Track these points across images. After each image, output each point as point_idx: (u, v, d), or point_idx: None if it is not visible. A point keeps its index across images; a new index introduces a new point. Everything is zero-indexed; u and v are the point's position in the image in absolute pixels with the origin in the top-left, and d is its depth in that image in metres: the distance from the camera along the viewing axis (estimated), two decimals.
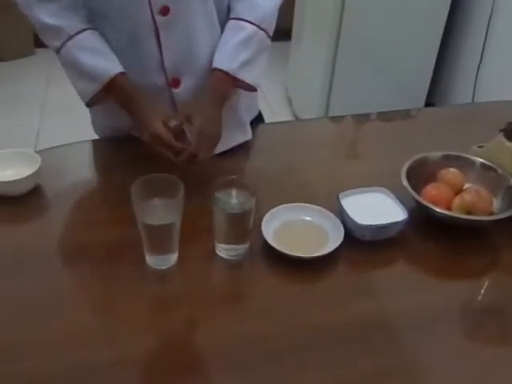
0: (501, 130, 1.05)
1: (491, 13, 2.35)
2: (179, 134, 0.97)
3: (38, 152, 1.06)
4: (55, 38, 1.02)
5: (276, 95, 3.10)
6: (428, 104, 2.72)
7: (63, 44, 1.01)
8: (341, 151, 1.28)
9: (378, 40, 2.49)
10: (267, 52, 1.13)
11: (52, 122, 2.77)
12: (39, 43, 3.26)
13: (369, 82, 2.58)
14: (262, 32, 1.08)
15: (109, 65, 1.02)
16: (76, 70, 1.05)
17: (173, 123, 0.96)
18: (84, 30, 1.02)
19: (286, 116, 2.91)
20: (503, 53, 2.32)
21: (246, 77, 1.07)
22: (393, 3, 2.42)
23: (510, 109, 1.35)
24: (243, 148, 1.19)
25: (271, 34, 1.10)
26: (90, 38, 1.02)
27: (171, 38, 1.03)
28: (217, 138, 1.01)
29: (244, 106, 1.18)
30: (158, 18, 1.00)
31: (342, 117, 1.47)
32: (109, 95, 1.04)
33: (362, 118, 1.42)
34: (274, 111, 2.81)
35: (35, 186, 1.03)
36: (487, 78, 2.43)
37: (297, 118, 2.88)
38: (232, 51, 1.05)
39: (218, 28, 1.08)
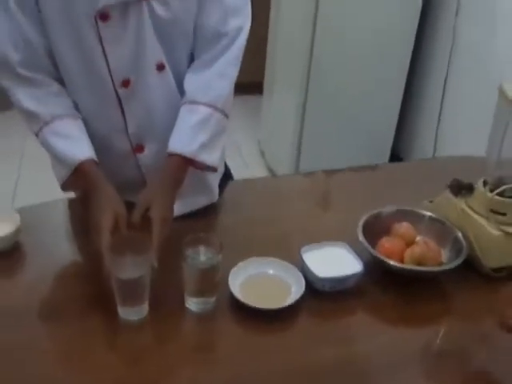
0: (448, 186, 1.15)
1: (447, 72, 2.52)
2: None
3: (17, 210, 1.13)
4: (33, 123, 1.09)
5: (249, 148, 3.22)
6: (393, 155, 2.86)
7: (40, 129, 1.08)
8: (308, 206, 1.36)
9: (345, 95, 2.63)
10: (226, 132, 1.17)
11: (30, 177, 2.82)
12: None
13: (337, 134, 2.70)
14: (218, 113, 1.11)
15: (78, 151, 1.07)
16: (51, 154, 1.11)
17: (135, 218, 1.01)
18: (59, 116, 1.08)
19: (259, 168, 3.02)
20: (459, 109, 2.48)
21: (206, 159, 1.10)
22: (357, 62, 2.57)
23: (465, 164, 1.44)
24: (212, 206, 1.27)
25: (228, 112, 1.14)
26: (63, 125, 1.08)
27: (133, 108, 1.10)
28: (170, 221, 1.05)
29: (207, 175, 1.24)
30: (120, 90, 1.08)
31: (311, 172, 1.57)
32: (77, 181, 1.09)
33: (330, 173, 1.52)
34: (248, 164, 2.92)
35: (14, 243, 1.09)
36: (446, 130, 2.58)
37: (270, 170, 2.98)
38: (189, 134, 1.08)
39: (179, 97, 1.13)
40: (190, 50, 1.14)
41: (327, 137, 2.69)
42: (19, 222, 1.09)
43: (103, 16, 1.00)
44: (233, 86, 1.14)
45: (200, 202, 1.24)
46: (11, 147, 3.10)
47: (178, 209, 1.12)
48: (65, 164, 1.08)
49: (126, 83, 1.08)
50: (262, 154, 3.16)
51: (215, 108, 1.10)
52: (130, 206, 1.03)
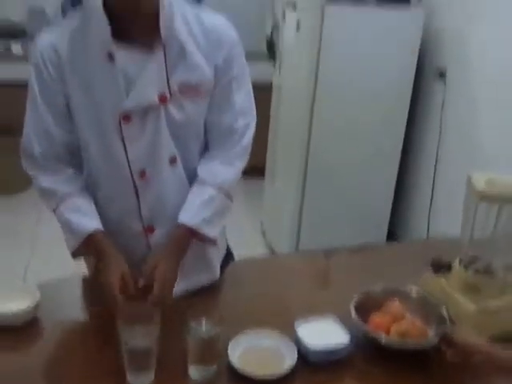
0: (430, 265, 1.26)
1: (437, 157, 2.70)
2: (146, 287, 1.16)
3: (36, 285, 1.24)
4: (51, 200, 1.25)
5: (251, 229, 3.36)
6: (390, 231, 2.98)
7: (57, 206, 1.24)
8: (305, 283, 1.47)
9: (341, 177, 2.79)
10: (228, 212, 1.33)
11: (41, 257, 2.93)
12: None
13: (335, 214, 2.83)
14: (221, 195, 1.27)
15: (89, 223, 1.22)
16: (65, 227, 1.26)
17: (141, 283, 1.17)
18: (75, 194, 1.25)
19: (260, 248, 3.15)
20: (450, 187, 2.61)
21: (208, 232, 1.26)
22: (352, 147, 2.75)
23: (449, 244, 1.55)
24: (213, 283, 1.38)
25: (233, 195, 1.31)
26: (78, 202, 1.24)
27: (147, 195, 1.26)
28: (172, 283, 1.20)
29: (212, 249, 1.37)
30: (137, 179, 1.23)
31: (310, 251, 1.69)
32: (88, 249, 1.24)
33: (328, 253, 1.64)
34: (249, 244, 3.03)
35: (33, 318, 1.19)
36: (439, 207, 2.71)
37: (271, 250, 3.10)
38: (195, 210, 1.25)
39: (188, 187, 1.29)
40: (200, 148, 1.31)
41: (326, 216, 2.83)
42: (39, 297, 1.20)
43: (126, 118, 1.17)
44: (239, 174, 1.32)
45: (202, 280, 1.36)
46: (24, 227, 3.24)
47: (182, 287, 1.26)
48: (77, 234, 1.22)
49: (142, 174, 1.23)
50: (264, 234, 3.29)
51: (220, 190, 1.27)
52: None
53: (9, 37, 3.59)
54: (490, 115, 2.36)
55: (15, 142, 3.40)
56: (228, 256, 1.51)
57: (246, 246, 3.04)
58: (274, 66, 3.10)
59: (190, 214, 1.25)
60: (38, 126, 1.22)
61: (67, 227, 1.25)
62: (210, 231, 1.27)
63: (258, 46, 3.33)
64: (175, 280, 1.21)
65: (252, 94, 1.32)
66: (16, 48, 3.51)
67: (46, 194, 1.26)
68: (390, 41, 2.60)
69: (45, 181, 1.25)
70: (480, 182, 1.18)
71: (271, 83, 3.11)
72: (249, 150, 1.33)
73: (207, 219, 1.26)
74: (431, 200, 2.74)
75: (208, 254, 1.36)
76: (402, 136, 2.81)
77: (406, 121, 2.78)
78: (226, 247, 1.50)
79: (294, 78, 2.82)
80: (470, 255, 1.23)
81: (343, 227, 2.81)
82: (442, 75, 2.65)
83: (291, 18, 2.80)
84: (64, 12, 3.96)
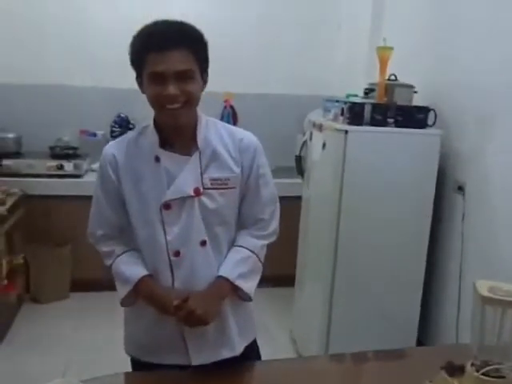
0: (442, 368, 1.34)
1: (460, 268, 2.78)
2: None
3: (83, 381, 1.36)
4: (109, 258, 1.56)
5: (281, 336, 3.41)
6: (419, 342, 2.99)
7: (113, 261, 1.55)
8: None
9: (368, 287, 2.88)
10: (260, 273, 1.60)
11: (77, 362, 3.04)
12: (74, 288, 3.73)
13: (363, 322, 2.89)
14: (254, 256, 1.56)
15: (139, 271, 1.51)
16: (119, 278, 1.53)
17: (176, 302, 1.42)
18: (127, 251, 1.55)
19: (290, 355, 3.17)
20: None
21: (243, 285, 1.52)
22: (378, 260, 2.87)
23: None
24: (239, 372, 1.53)
25: (262, 260, 1.60)
26: (129, 256, 1.54)
27: (180, 271, 1.50)
28: (203, 318, 1.44)
29: (234, 324, 1.57)
30: (173, 258, 1.49)
31: (340, 354, 1.78)
32: (138, 294, 1.51)
33: (358, 356, 1.73)
34: (279, 351, 3.08)
35: None
36: (466, 322, 2.74)
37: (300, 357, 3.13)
38: (233, 265, 1.52)
39: (216, 266, 1.53)
40: (227, 235, 1.56)
41: (354, 326, 2.88)
42: None
43: (166, 206, 1.47)
44: (265, 246, 1.62)
45: (222, 353, 1.55)
46: (64, 334, 3.38)
47: (203, 358, 1.51)
48: (128, 281, 1.50)
49: (177, 253, 1.49)
50: (294, 342, 3.33)
51: (253, 252, 1.56)
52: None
53: (62, 157, 3.96)
54: (509, 227, 2.47)
55: (58, 253, 3.76)
56: (255, 346, 1.66)
57: (276, 353, 3.10)
58: (303, 180, 3.33)
59: (229, 268, 1.51)
60: (99, 214, 1.55)
61: (120, 276, 1.52)
62: (245, 284, 1.51)
63: (288, 163, 3.58)
64: (204, 314, 1.43)
65: (274, 186, 1.63)
66: (68, 166, 3.86)
67: (107, 254, 1.56)
68: (409, 159, 2.80)
69: (105, 244, 1.56)
70: (483, 288, 1.29)
71: (300, 196, 3.33)
72: (276, 232, 1.65)
73: (243, 274, 1.51)
74: (458, 311, 2.78)
75: (227, 329, 1.56)
76: (426, 249, 2.92)
77: (428, 233, 2.90)
78: (253, 333, 1.69)
79: (321, 192, 3.02)
80: (481, 359, 1.31)
81: (371, 338, 2.85)
82: (460, 189, 2.81)
83: (318, 137, 3.06)
84: (112, 133, 4.40)
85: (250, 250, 1.56)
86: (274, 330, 3.43)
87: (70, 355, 3.09)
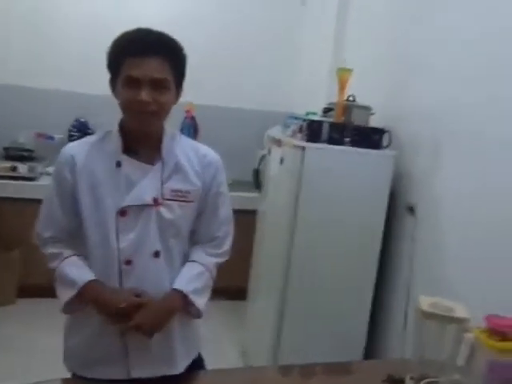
0: (383, 381, 1.38)
1: (408, 287, 2.86)
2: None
3: None
4: (55, 260, 1.52)
5: (230, 348, 3.41)
6: (367, 356, 3.04)
7: (60, 262, 1.51)
8: None
9: (320, 299, 2.91)
10: (210, 290, 1.61)
11: (20, 367, 2.95)
12: (21, 294, 3.64)
13: (313, 336, 2.92)
14: (208, 273, 1.58)
15: (87, 275, 1.48)
16: (63, 280, 1.48)
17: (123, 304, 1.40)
18: (75, 255, 1.52)
19: (238, 366, 3.17)
20: None
21: (196, 300, 1.51)
22: (329, 274, 2.91)
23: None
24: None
25: (214, 277, 1.61)
26: (77, 259, 1.51)
27: (129, 280, 1.48)
28: (148, 332, 1.44)
29: (179, 341, 1.56)
30: (123, 266, 1.47)
31: (288, 366, 1.80)
32: (82, 299, 1.47)
33: (305, 367, 1.76)
34: (227, 362, 3.08)
35: None
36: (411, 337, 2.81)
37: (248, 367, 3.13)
38: (188, 280, 1.52)
39: (167, 278, 1.52)
40: (180, 248, 1.56)
41: (304, 340, 2.91)
42: None
43: (123, 213, 1.46)
44: (218, 263, 1.64)
45: (162, 369, 1.53)
46: (14, 338, 3.28)
47: (143, 372, 1.49)
48: (73, 285, 1.46)
49: (128, 262, 1.47)
50: (244, 354, 3.34)
51: (207, 269, 1.58)
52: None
53: (17, 159, 3.88)
54: (457, 249, 2.56)
55: (5, 257, 3.67)
56: (199, 361, 1.64)
57: (224, 364, 3.10)
58: (260, 194, 3.36)
59: (184, 282, 1.50)
60: (49, 215, 1.51)
61: (65, 279, 1.48)
62: (199, 301, 1.51)
63: (246, 177, 3.62)
64: (150, 331, 1.44)
65: (230, 206, 1.64)
66: (22, 168, 3.78)
67: (53, 256, 1.52)
68: (363, 177, 2.87)
69: (53, 246, 1.53)
70: (425, 303, 1.34)
71: (256, 210, 3.36)
72: (228, 252, 1.65)
73: (197, 289, 1.51)
74: (405, 328, 2.85)
75: (172, 348, 1.54)
76: (376, 266, 2.99)
77: (379, 251, 2.97)
78: (197, 349, 1.67)
79: (277, 206, 3.06)
80: (420, 373, 1.36)
81: (321, 350, 2.88)
82: (411, 210, 2.89)
83: (276, 152, 3.11)
84: (70, 137, 4.35)
85: (205, 267, 1.57)
86: (224, 344, 3.43)
87: (13, 359, 3.02)
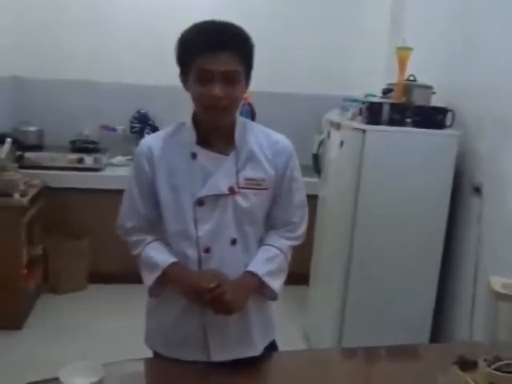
0: (454, 363, 1.36)
1: (476, 267, 2.78)
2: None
3: (103, 365, 1.40)
4: (138, 246, 1.58)
5: (294, 333, 3.43)
6: (432, 340, 2.99)
7: (143, 248, 1.56)
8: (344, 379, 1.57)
9: (384, 283, 2.89)
10: (286, 273, 1.60)
11: (94, 350, 3.08)
12: (91, 280, 3.80)
13: (377, 320, 2.90)
14: (282, 256, 1.58)
15: (169, 257, 1.52)
16: (147, 264, 1.54)
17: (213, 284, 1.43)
18: (157, 240, 1.57)
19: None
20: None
21: (270, 282, 1.53)
22: (393, 257, 2.88)
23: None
24: (257, 367, 1.54)
25: (288, 260, 1.61)
26: (159, 244, 1.56)
27: (208, 267, 1.52)
28: (229, 305, 1.45)
29: (256, 324, 1.60)
30: (202, 254, 1.51)
31: (353, 348, 1.80)
32: (166, 282, 1.52)
33: (371, 350, 1.75)
34: (292, 346, 3.10)
35: None
36: (479, 323, 2.74)
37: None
38: (261, 262, 1.54)
39: (244, 265, 1.54)
40: (256, 235, 1.58)
41: (367, 324, 2.89)
42: (103, 374, 1.36)
43: (200, 202, 1.50)
44: (293, 246, 1.64)
45: (243, 351, 1.57)
46: (83, 323, 3.45)
47: (223, 355, 1.52)
48: (157, 267, 1.51)
49: (207, 250, 1.51)
50: (307, 339, 3.36)
51: (281, 252, 1.58)
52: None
53: (83, 151, 4.04)
54: None
55: (76, 245, 3.82)
56: (274, 346, 1.67)
57: (289, 348, 3.13)
58: (319, 179, 3.35)
59: (258, 265, 1.53)
60: (131, 206, 1.57)
61: (149, 262, 1.53)
62: (273, 283, 1.53)
63: (305, 162, 3.60)
64: (231, 304, 1.45)
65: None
66: (88, 159, 3.93)
67: (136, 243, 1.58)
68: (426, 159, 2.81)
69: (136, 236, 1.58)
70: (497, 284, 1.31)
71: (315, 195, 3.35)
72: (303, 236, 1.67)
73: (271, 272, 1.53)
74: (472, 312, 2.78)
75: (249, 328, 1.58)
76: (441, 249, 2.93)
77: (444, 233, 2.91)
78: (273, 334, 1.71)
79: (338, 191, 3.05)
80: (494, 355, 1.33)
81: (385, 334, 2.86)
82: (477, 190, 2.81)
83: (335, 136, 3.09)
84: (132, 129, 4.48)
85: (279, 249, 1.58)
86: (287, 328, 3.46)
87: (87, 343, 3.15)
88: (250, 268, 1.53)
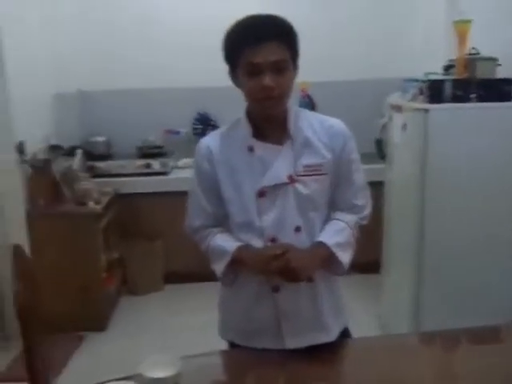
0: None
1: None
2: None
3: (180, 358, 1.44)
4: (206, 239, 1.62)
5: (370, 323, 3.39)
6: None
7: (211, 239, 1.60)
8: (427, 368, 1.53)
9: (460, 264, 2.80)
10: (353, 248, 1.60)
11: (175, 345, 3.17)
12: (167, 280, 3.91)
13: (454, 305, 2.81)
14: (349, 229, 1.58)
15: (236, 243, 1.56)
16: (216, 253, 1.58)
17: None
18: (221, 231, 1.62)
19: None
20: None
21: (339, 254, 1.53)
22: (466, 238, 2.78)
23: None
24: (332, 354, 1.55)
25: (355, 236, 1.61)
26: (226, 233, 1.61)
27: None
28: (297, 272, 1.45)
29: (328, 308, 1.60)
30: (269, 244, 1.53)
31: (430, 332, 1.76)
32: (237, 266, 1.56)
33: (450, 334, 1.72)
34: (369, 334, 3.06)
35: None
36: None
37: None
38: (330, 234, 1.55)
39: None
40: (320, 220, 1.59)
41: (444, 307, 2.81)
42: (180, 366, 1.40)
43: (261, 193, 1.52)
44: (359, 223, 1.64)
45: (318, 337, 1.58)
46: (160, 322, 3.56)
47: (298, 342, 1.54)
48: (226, 253, 1.55)
49: (273, 240, 1.53)
50: (383, 327, 3.30)
51: (349, 225, 1.59)
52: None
53: (149, 156, 4.17)
54: None
55: (150, 248, 3.91)
56: (347, 332, 1.69)
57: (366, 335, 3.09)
58: (385, 164, 3.29)
59: (327, 236, 1.54)
60: (197, 206, 1.62)
61: (218, 250, 1.57)
62: (342, 254, 1.53)
63: (369, 149, 3.54)
64: (299, 271, 1.45)
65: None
66: (155, 164, 4.05)
67: (204, 237, 1.62)
68: (496, 135, 2.69)
69: (203, 232, 1.63)
70: None
71: (382, 182, 3.29)
72: (368, 217, 1.67)
73: (340, 243, 1.53)
74: None
75: (321, 312, 1.59)
76: None
77: None
78: (346, 319, 1.70)
79: (404, 175, 2.98)
80: None
81: (466, 315, 2.76)
82: None
83: (397, 119, 3.02)
84: (194, 130, 4.57)
85: (346, 223, 1.58)
86: (362, 317, 3.42)
87: (167, 340, 3.26)
88: (319, 238, 1.54)
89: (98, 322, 3.49)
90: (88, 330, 3.41)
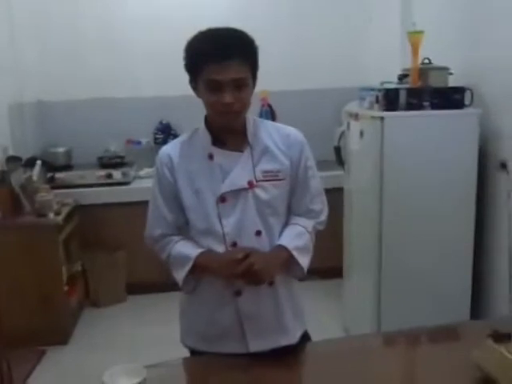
0: (488, 336, 1.37)
1: (509, 239, 2.75)
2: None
3: (145, 366, 1.45)
4: (166, 248, 1.64)
5: (333, 326, 3.44)
6: (472, 317, 2.96)
7: (172, 247, 1.62)
8: (389, 367, 1.58)
9: (417, 267, 2.88)
10: (311, 254, 1.65)
11: (139, 357, 3.16)
12: (130, 291, 3.88)
13: (414, 304, 2.89)
14: (308, 234, 1.63)
15: (197, 249, 1.59)
16: (177, 260, 1.60)
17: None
18: (182, 239, 1.63)
19: None
20: None
21: (298, 257, 1.58)
22: (423, 242, 2.87)
23: None
24: (296, 357, 1.59)
25: (313, 241, 1.66)
26: (186, 241, 1.63)
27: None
28: (259, 274, 1.49)
29: (288, 311, 1.64)
30: (230, 249, 1.56)
31: (391, 332, 1.83)
32: (198, 272, 1.57)
33: (409, 333, 1.78)
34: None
35: None
36: None
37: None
38: (290, 238, 1.60)
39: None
40: (280, 225, 1.63)
41: (405, 309, 2.88)
42: (145, 374, 1.41)
43: (222, 199, 1.56)
44: (316, 228, 1.69)
45: (278, 340, 1.62)
46: (123, 332, 3.53)
47: (261, 345, 1.57)
48: (188, 259, 1.57)
49: (234, 244, 1.57)
50: (346, 330, 3.37)
51: (307, 230, 1.64)
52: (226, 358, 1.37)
53: (110, 166, 4.14)
54: None
55: (112, 259, 3.88)
56: (307, 335, 1.73)
57: None
58: (343, 171, 3.36)
59: (287, 240, 1.59)
60: (157, 214, 1.64)
61: (179, 257, 1.60)
62: (301, 258, 1.58)
63: (328, 156, 3.61)
64: (261, 274, 1.50)
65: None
66: (117, 174, 4.03)
67: (164, 245, 1.64)
68: (448, 140, 2.80)
69: (163, 242, 1.65)
70: None
71: (341, 188, 3.36)
72: (325, 223, 1.73)
73: (299, 247, 1.59)
74: (510, 286, 2.75)
75: (283, 315, 1.63)
76: (473, 228, 2.91)
77: (474, 213, 2.89)
78: (305, 323, 1.74)
79: (362, 181, 3.06)
80: None
81: (424, 317, 2.84)
82: (503, 166, 2.78)
83: (355, 127, 3.10)
84: (156, 140, 4.56)
85: (305, 228, 1.63)
86: (325, 321, 3.48)
87: (131, 351, 3.23)
88: (280, 242, 1.59)
89: (61, 336, 3.43)
90: (50, 344, 3.35)
